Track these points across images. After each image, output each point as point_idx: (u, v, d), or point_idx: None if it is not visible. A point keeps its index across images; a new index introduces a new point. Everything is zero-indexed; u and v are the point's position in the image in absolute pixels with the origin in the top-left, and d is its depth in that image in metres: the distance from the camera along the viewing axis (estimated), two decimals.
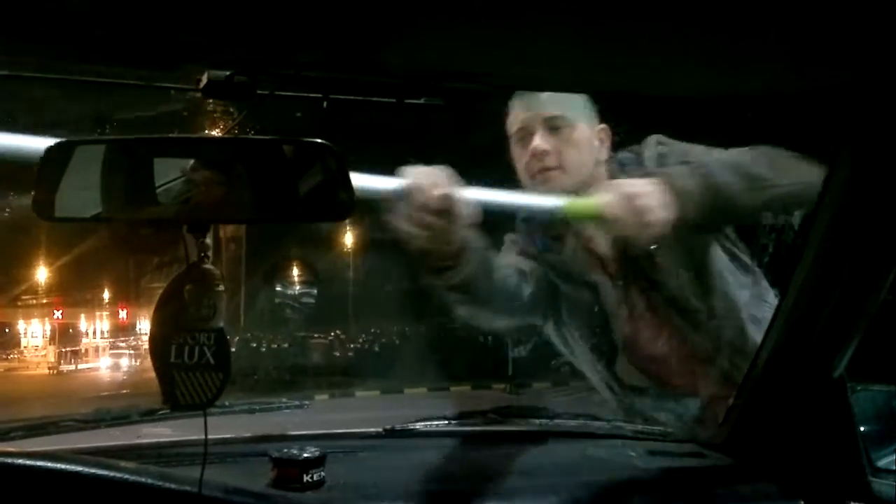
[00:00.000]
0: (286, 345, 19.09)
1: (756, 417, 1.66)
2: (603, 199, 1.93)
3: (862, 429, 1.62)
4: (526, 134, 2.11)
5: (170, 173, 1.18)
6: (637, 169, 2.10)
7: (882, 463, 1.63)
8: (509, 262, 2.18)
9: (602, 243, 2.17)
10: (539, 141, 2.08)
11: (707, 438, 1.78)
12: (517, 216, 2.24)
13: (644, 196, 1.89)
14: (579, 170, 2.11)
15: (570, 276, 2.19)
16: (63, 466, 1.20)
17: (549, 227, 2.20)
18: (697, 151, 2.11)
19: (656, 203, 1.89)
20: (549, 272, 2.19)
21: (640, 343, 2.17)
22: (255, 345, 17.90)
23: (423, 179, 1.79)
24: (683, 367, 2.14)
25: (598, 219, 1.96)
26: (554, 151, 2.08)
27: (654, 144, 2.14)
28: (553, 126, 2.09)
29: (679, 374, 2.15)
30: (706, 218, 1.95)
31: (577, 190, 2.06)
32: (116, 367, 25.62)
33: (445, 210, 1.80)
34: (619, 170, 2.14)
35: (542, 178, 2.10)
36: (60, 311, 28.15)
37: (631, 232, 1.93)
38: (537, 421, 1.91)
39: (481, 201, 1.87)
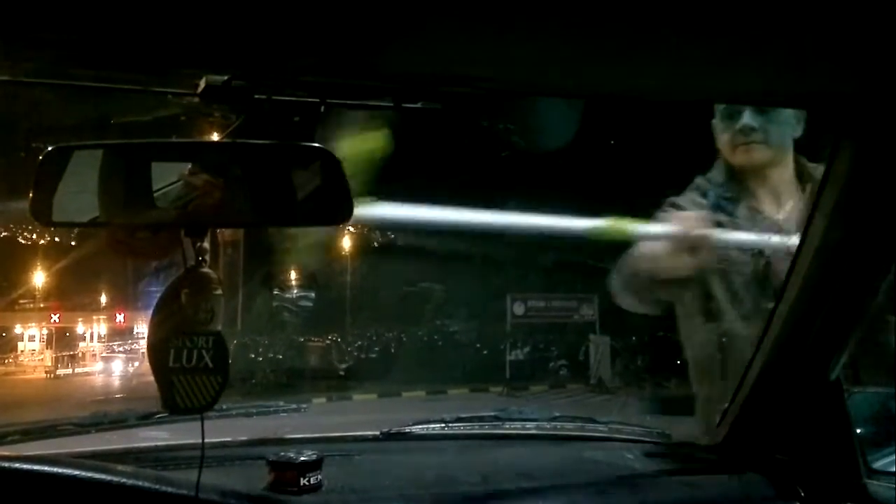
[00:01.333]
0: (284, 348, 19.08)
1: (752, 420, 1.66)
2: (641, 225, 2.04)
3: (858, 431, 1.63)
4: (734, 111, 2.26)
5: (167, 177, 1.18)
6: None
7: (878, 465, 1.63)
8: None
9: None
10: (747, 120, 2.24)
11: (704, 441, 1.78)
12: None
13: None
14: (778, 147, 2.29)
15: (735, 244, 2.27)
16: (61, 470, 1.20)
17: (726, 187, 2.33)
18: None
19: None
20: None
21: None
22: (252, 348, 17.88)
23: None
24: None
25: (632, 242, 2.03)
26: (760, 129, 2.25)
27: None
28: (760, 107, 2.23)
29: None
30: None
31: (771, 165, 2.28)
32: (114, 371, 25.58)
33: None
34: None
35: (744, 151, 2.28)
36: (58, 315, 28.10)
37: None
38: (535, 424, 1.91)
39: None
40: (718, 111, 2.29)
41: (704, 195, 2.32)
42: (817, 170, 2.28)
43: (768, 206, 2.33)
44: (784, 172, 2.32)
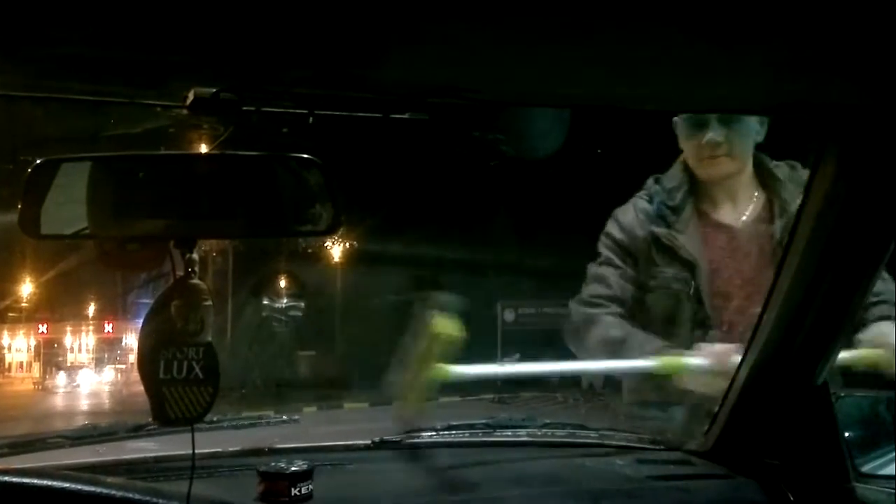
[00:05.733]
0: (273, 358, 19.01)
1: (741, 425, 1.67)
2: (693, 358, 2.01)
3: (846, 435, 1.64)
4: (698, 121, 2.28)
5: (156, 189, 1.19)
6: None
7: (866, 468, 1.64)
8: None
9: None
10: (713, 134, 2.27)
11: (694, 446, 1.79)
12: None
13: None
14: (743, 157, 2.33)
15: (671, 250, 2.32)
16: (50, 483, 1.20)
17: (671, 194, 2.37)
18: None
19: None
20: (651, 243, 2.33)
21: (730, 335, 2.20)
22: (242, 359, 17.81)
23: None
24: None
25: (686, 374, 2.03)
26: (726, 142, 2.28)
27: None
28: (725, 118, 2.25)
29: None
30: None
31: (733, 178, 2.33)
32: (102, 382, 25.44)
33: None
34: None
35: (710, 164, 2.32)
36: (45, 326, 27.95)
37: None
38: (526, 431, 1.91)
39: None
40: (682, 121, 2.32)
41: (651, 201, 2.37)
42: (778, 169, 2.34)
43: (726, 213, 2.37)
44: (743, 178, 2.37)
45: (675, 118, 2.33)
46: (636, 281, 2.34)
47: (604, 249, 2.39)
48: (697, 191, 2.37)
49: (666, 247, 2.32)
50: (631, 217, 2.38)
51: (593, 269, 2.39)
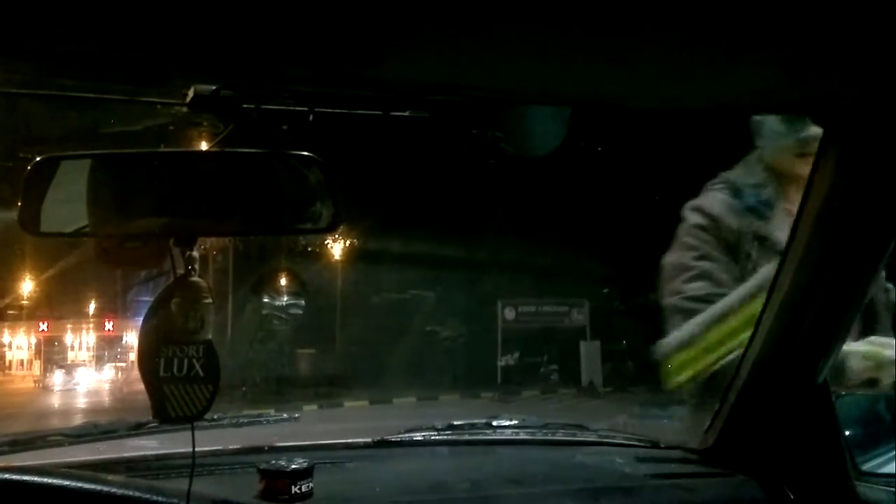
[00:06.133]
0: (274, 356, 19.03)
1: (742, 423, 1.67)
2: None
3: (847, 433, 1.64)
4: (794, 117, 2.16)
5: (156, 187, 1.19)
6: None
7: (867, 467, 1.64)
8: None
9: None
10: (815, 129, 2.14)
11: (694, 445, 1.79)
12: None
13: None
14: None
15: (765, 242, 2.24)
16: (51, 480, 1.20)
17: (761, 188, 2.29)
18: None
19: None
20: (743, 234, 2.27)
21: None
22: (242, 357, 17.82)
23: None
24: None
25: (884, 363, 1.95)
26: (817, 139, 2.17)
27: None
28: None
29: None
30: None
31: None
32: (103, 380, 25.45)
33: None
34: None
35: (807, 161, 2.20)
36: (46, 324, 27.96)
37: None
38: (526, 430, 1.91)
39: None
40: (775, 117, 2.24)
41: (738, 196, 2.31)
42: None
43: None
44: None
45: (756, 116, 2.27)
46: (737, 276, 2.23)
47: (696, 241, 2.28)
48: (782, 191, 2.28)
49: (766, 241, 2.23)
50: (719, 209, 2.29)
51: (689, 262, 2.27)
